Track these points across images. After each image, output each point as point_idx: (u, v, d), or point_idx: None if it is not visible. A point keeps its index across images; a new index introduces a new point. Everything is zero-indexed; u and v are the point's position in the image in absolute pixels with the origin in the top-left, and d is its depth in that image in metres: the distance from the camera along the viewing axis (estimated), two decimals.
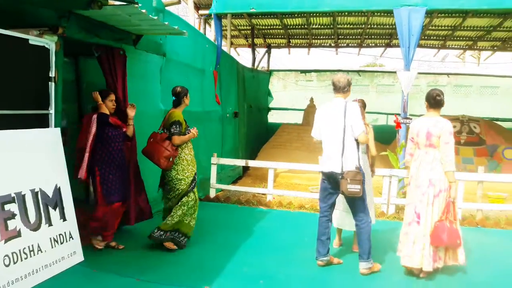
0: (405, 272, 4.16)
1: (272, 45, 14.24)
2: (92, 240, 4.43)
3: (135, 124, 5.10)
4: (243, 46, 14.38)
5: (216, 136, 8.17)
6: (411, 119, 6.67)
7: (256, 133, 12.43)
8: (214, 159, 7.28)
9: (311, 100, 12.51)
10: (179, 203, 4.53)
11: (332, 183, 4.17)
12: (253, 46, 13.27)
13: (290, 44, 13.95)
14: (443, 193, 3.99)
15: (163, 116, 5.77)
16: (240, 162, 7.94)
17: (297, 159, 9.82)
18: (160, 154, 4.40)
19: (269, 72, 14.83)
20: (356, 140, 4.07)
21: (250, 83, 11.42)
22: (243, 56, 15.11)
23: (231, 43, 13.33)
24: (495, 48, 12.97)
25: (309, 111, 12.28)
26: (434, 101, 4.14)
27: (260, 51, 14.56)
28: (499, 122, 12.52)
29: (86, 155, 4.25)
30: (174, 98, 4.62)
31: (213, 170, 7.25)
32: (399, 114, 6.82)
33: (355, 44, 13.69)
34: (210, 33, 10.98)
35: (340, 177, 3.99)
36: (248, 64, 13.06)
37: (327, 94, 14.95)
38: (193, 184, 4.63)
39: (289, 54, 14.88)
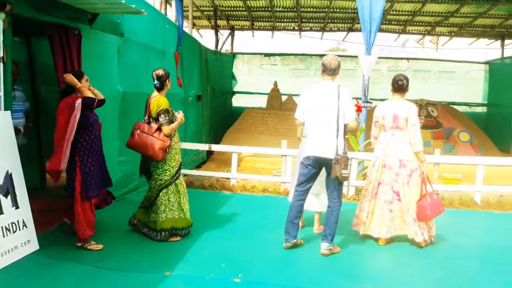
0: (366, 246, 4.31)
1: (235, 27, 14.05)
2: (89, 247, 4.09)
3: None
4: (206, 28, 14.13)
5: (182, 118, 8.01)
6: (371, 103, 6.81)
7: (220, 117, 12.33)
8: None
9: (275, 84, 12.49)
10: (159, 196, 4.35)
11: (318, 168, 4.17)
12: (216, 28, 13.05)
13: (254, 26, 13.82)
14: (415, 172, 4.34)
15: (120, 98, 5.64)
16: (203, 147, 7.84)
17: (262, 143, 9.83)
18: (155, 146, 4.15)
19: (233, 55, 14.67)
20: (344, 125, 4.08)
21: (213, 65, 11.26)
22: (206, 38, 14.85)
23: (194, 24, 13.05)
24: (452, 33, 13.38)
25: (273, 95, 12.28)
26: (397, 85, 4.45)
27: (224, 33, 14.35)
28: (455, 106, 13.02)
29: (69, 144, 3.91)
30: (156, 82, 4.34)
31: None
32: (360, 98, 6.92)
33: (318, 28, 13.74)
34: (171, 13, 10.68)
35: (334, 162, 3.96)
36: (212, 46, 12.86)
37: (290, 78, 15.01)
38: (177, 175, 4.43)
39: (253, 37, 14.78)
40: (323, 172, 4.27)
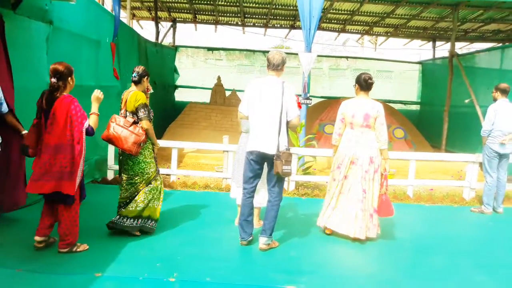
0: (306, 240, 4.33)
1: (177, 19, 13.72)
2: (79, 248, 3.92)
3: (16, 99, 4.56)
4: (146, 19, 13.69)
5: (115, 113, 7.66)
6: (311, 100, 6.91)
7: (162, 111, 11.99)
8: None
9: (218, 78, 12.36)
10: (148, 187, 4.33)
11: (261, 163, 4.13)
12: (156, 19, 12.66)
13: (196, 19, 13.58)
14: (380, 168, 4.47)
15: None
16: None
17: (205, 138, 9.69)
18: (129, 139, 4.11)
19: (175, 48, 14.34)
20: (287, 122, 4.08)
21: (154, 58, 10.92)
22: (147, 29, 14.42)
23: (133, 15, 12.61)
24: (388, 34, 13.94)
25: (217, 90, 12.14)
26: (366, 84, 4.50)
27: (166, 26, 13.96)
28: (391, 104, 13.61)
29: (81, 162, 3.71)
30: (134, 74, 4.34)
31: (111, 151, 6.81)
32: (300, 95, 6.99)
33: (261, 24, 13.77)
34: (109, 2, 10.22)
35: (275, 158, 3.95)
36: (153, 38, 12.46)
37: (236, 73, 14.96)
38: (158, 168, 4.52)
39: (196, 30, 14.51)
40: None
